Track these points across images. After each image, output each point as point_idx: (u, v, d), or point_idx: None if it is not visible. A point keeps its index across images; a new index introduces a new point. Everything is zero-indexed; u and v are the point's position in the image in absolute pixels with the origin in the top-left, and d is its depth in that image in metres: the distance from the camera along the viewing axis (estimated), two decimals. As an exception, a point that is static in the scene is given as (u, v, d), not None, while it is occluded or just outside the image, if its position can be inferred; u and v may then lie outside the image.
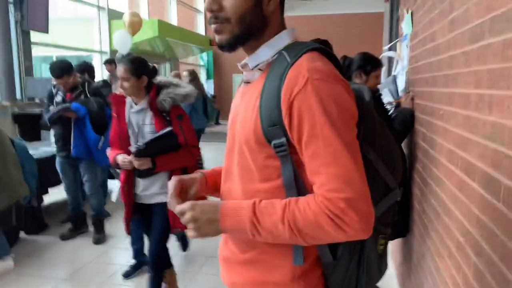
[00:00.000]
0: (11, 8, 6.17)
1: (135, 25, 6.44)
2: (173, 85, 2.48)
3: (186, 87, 2.50)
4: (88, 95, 3.73)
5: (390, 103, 2.65)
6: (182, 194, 1.10)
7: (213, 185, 1.19)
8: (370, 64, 2.82)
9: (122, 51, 6.76)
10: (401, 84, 2.75)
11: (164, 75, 12.48)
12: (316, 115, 0.87)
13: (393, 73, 3.06)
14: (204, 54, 14.87)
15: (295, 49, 0.96)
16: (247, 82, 1.07)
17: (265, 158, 0.97)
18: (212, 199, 1.08)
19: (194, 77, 6.00)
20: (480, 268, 1.16)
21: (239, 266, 1.07)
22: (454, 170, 1.47)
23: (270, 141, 0.94)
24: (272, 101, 0.93)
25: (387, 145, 1.06)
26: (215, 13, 0.98)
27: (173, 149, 2.36)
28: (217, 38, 1.01)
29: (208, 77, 14.83)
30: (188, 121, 2.52)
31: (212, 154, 8.09)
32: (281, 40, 1.00)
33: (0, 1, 5.95)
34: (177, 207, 0.99)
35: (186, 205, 0.97)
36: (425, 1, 2.17)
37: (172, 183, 1.08)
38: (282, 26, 1.03)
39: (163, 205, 2.41)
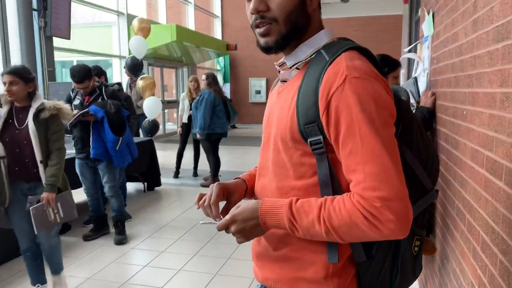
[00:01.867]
0: (35, 15, 6.35)
1: (145, 30, 6.73)
2: None
3: None
4: (106, 98, 3.82)
5: (411, 104, 2.64)
6: (220, 199, 1.12)
7: (251, 191, 1.20)
8: (387, 65, 2.83)
9: (138, 56, 6.93)
10: (422, 85, 2.74)
11: (182, 79, 12.63)
12: (354, 113, 0.87)
13: (413, 75, 3.05)
14: (221, 59, 14.98)
15: (334, 48, 0.96)
16: (284, 81, 1.08)
17: (300, 155, 0.98)
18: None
19: (212, 80, 5.92)
20: (507, 266, 1.15)
21: (272, 262, 1.08)
22: (479, 170, 1.46)
23: (306, 139, 0.95)
24: (309, 99, 0.93)
25: (424, 145, 1.05)
26: (262, 14, 0.98)
27: None
28: (263, 41, 1.01)
29: (225, 81, 14.93)
30: None
31: (229, 158, 8.15)
32: (320, 39, 1.01)
33: (25, 8, 6.13)
34: (219, 225, 1.01)
35: (227, 219, 1.00)
36: (447, 2, 2.16)
37: (216, 189, 1.10)
38: (320, 26, 1.04)
39: None
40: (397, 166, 0.87)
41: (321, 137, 0.93)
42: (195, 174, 6.62)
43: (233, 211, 1.01)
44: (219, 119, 5.82)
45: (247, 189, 1.21)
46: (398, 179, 0.86)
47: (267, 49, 1.02)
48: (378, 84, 0.91)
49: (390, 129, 0.90)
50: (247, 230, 0.99)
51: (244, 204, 1.01)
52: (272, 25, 0.98)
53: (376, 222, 0.85)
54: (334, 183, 0.95)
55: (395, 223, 0.84)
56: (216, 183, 1.13)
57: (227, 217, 1.00)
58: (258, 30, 1.01)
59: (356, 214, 0.86)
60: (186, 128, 6.46)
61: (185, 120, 6.49)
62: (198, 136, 5.82)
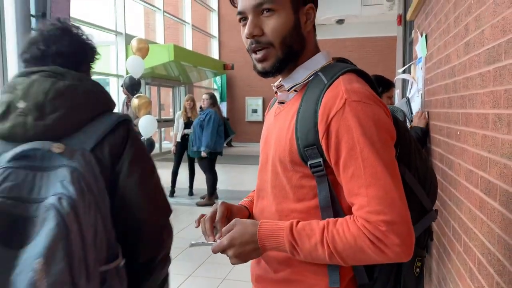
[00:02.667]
0: (33, 21, 6.39)
1: (143, 51, 6.83)
2: None
3: None
4: None
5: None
6: (224, 219, 1.07)
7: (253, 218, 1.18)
8: (381, 85, 2.88)
9: (135, 75, 6.98)
10: (416, 105, 2.77)
11: (179, 98, 12.71)
12: (355, 137, 0.87)
13: (407, 95, 3.08)
14: (218, 78, 15.10)
15: (332, 71, 0.97)
16: (281, 102, 1.08)
17: (300, 177, 0.97)
18: None
19: (214, 100, 6.06)
20: (503, 287, 1.15)
21: (273, 285, 1.06)
22: (474, 190, 1.47)
23: (306, 161, 0.94)
24: (308, 122, 0.93)
25: (422, 166, 1.05)
26: (257, 38, 0.98)
27: None
28: (260, 66, 1.01)
29: (222, 100, 15.03)
30: None
31: (225, 176, 8.13)
32: (317, 62, 1.02)
33: (24, 30, 6.18)
34: (215, 247, 0.98)
35: (225, 244, 0.96)
36: (439, 25, 2.21)
37: (221, 208, 1.06)
38: (316, 48, 1.05)
39: None
40: (399, 188, 0.87)
41: (321, 159, 0.93)
42: (191, 193, 6.58)
43: (230, 233, 0.98)
44: (220, 138, 5.90)
45: (249, 216, 1.17)
46: (401, 202, 0.86)
47: (264, 74, 1.02)
48: (377, 107, 0.91)
49: (391, 151, 0.91)
50: (245, 253, 0.97)
51: (241, 227, 0.98)
52: (269, 50, 0.98)
53: (382, 246, 0.85)
54: (335, 205, 0.95)
55: (400, 247, 0.85)
56: (221, 202, 1.10)
57: (224, 241, 0.97)
58: (255, 56, 1.00)
59: (362, 238, 0.86)
60: (181, 146, 6.44)
61: (179, 139, 6.47)
62: (203, 154, 5.82)
